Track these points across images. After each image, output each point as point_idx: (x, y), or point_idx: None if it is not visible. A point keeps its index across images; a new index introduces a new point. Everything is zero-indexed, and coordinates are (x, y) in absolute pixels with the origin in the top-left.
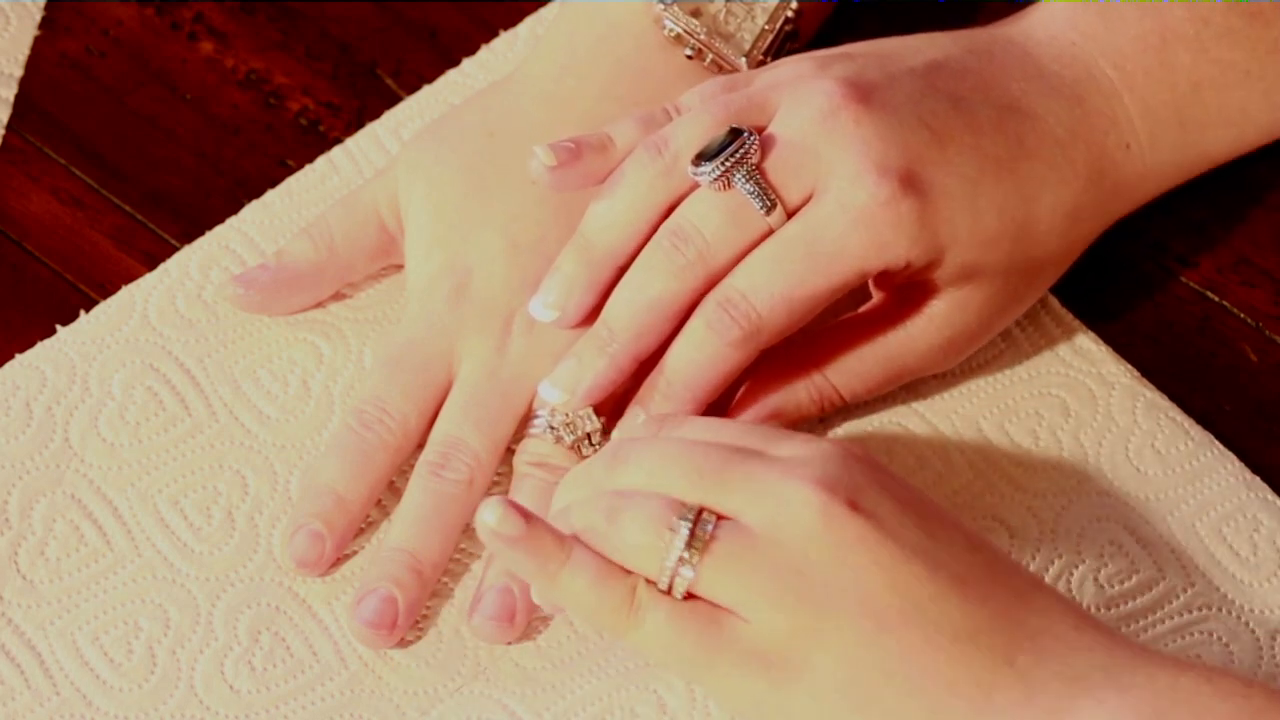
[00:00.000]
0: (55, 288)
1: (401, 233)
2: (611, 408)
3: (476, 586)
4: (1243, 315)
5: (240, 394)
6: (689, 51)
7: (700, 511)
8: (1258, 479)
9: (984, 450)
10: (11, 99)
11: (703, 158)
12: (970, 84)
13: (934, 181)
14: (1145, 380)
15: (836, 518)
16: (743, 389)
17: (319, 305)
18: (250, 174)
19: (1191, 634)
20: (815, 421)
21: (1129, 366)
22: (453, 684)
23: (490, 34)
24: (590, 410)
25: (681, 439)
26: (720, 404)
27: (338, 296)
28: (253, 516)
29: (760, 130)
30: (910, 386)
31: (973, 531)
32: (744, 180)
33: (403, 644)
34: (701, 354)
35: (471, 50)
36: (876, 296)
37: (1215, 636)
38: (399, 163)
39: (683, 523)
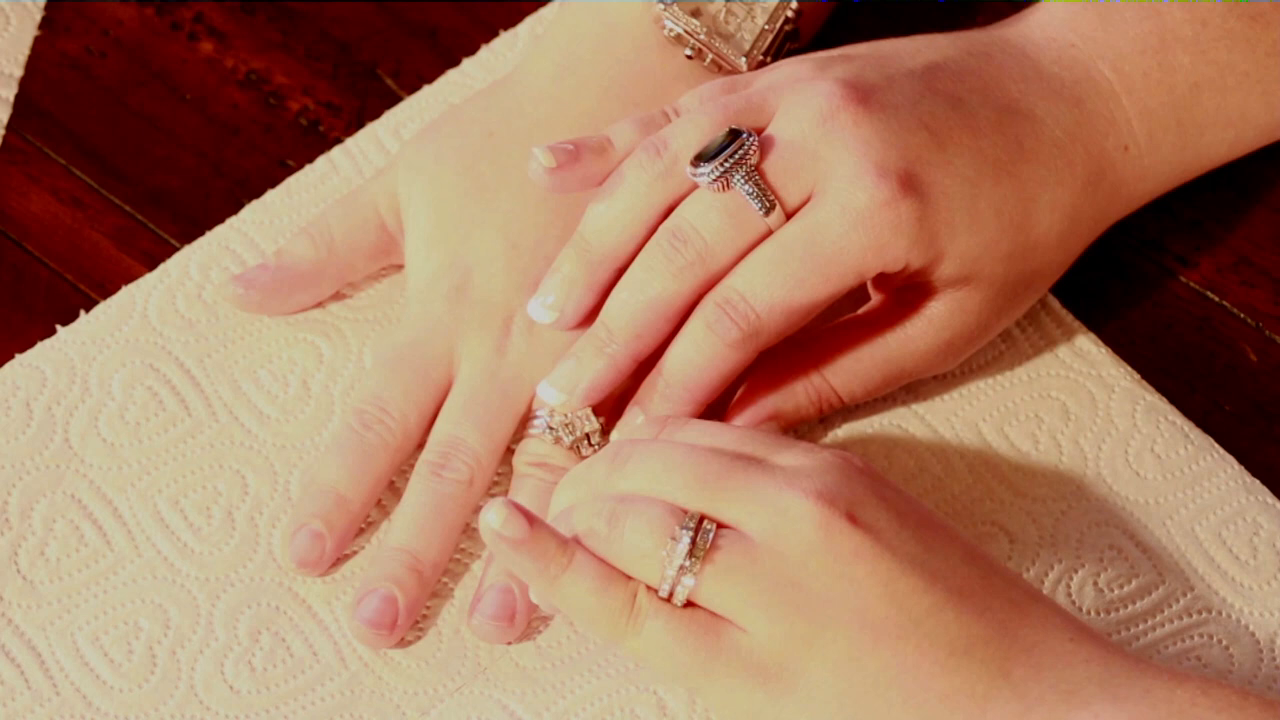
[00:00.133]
0: (55, 288)
1: (401, 232)
2: (610, 408)
3: (476, 586)
4: (1243, 315)
5: (240, 394)
6: (689, 52)
7: (701, 519)
8: (1258, 482)
9: (983, 454)
10: (11, 99)
11: (702, 159)
12: (969, 85)
13: (933, 183)
14: (1145, 383)
15: (835, 530)
16: (741, 389)
17: (319, 305)
18: (250, 174)
19: (1191, 637)
20: (815, 423)
21: (1129, 369)
22: (453, 684)
23: (490, 34)
24: (589, 411)
25: (684, 444)
26: (719, 405)
27: (338, 296)
28: (253, 516)
29: (759, 131)
30: (910, 388)
31: (970, 543)
32: (743, 181)
33: (403, 644)
34: (700, 354)
35: (471, 50)
36: (875, 298)
37: (1215, 640)
38: (399, 162)
39: (685, 531)
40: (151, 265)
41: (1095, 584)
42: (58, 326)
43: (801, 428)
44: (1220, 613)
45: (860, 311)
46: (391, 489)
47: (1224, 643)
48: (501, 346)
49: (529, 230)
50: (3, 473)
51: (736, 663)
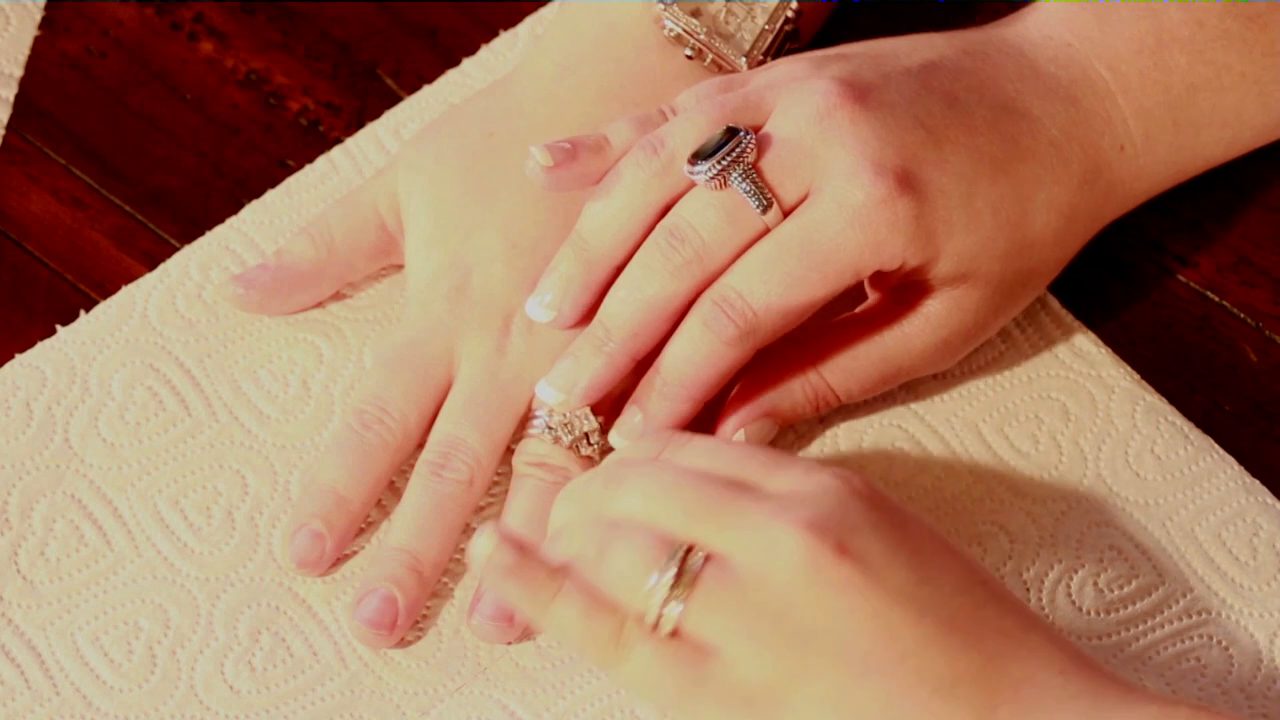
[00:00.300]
0: (55, 288)
1: (401, 232)
2: (609, 407)
3: (476, 586)
4: (1243, 315)
5: (240, 394)
6: (689, 52)
7: (690, 549)
8: (1257, 483)
9: (983, 454)
10: (11, 99)
11: (699, 157)
12: (966, 84)
13: (930, 181)
14: (1145, 383)
15: (823, 562)
16: (738, 387)
17: (319, 305)
18: (250, 174)
19: (1191, 638)
20: (814, 422)
21: (1129, 369)
22: (453, 684)
23: (490, 34)
24: (588, 410)
25: (679, 467)
26: (716, 402)
27: (338, 296)
28: (253, 516)
29: (756, 130)
30: (909, 389)
31: (970, 562)
32: (740, 179)
33: (403, 644)
34: (698, 352)
35: (471, 50)
36: (872, 297)
37: (1215, 640)
38: (399, 162)
39: (671, 561)
40: (151, 265)
41: (1095, 584)
42: (58, 326)
43: (800, 426)
44: (1220, 613)
45: (858, 310)
46: (391, 489)
47: (1224, 643)
48: (501, 346)
49: (529, 230)
50: (3, 473)
51: (721, 693)
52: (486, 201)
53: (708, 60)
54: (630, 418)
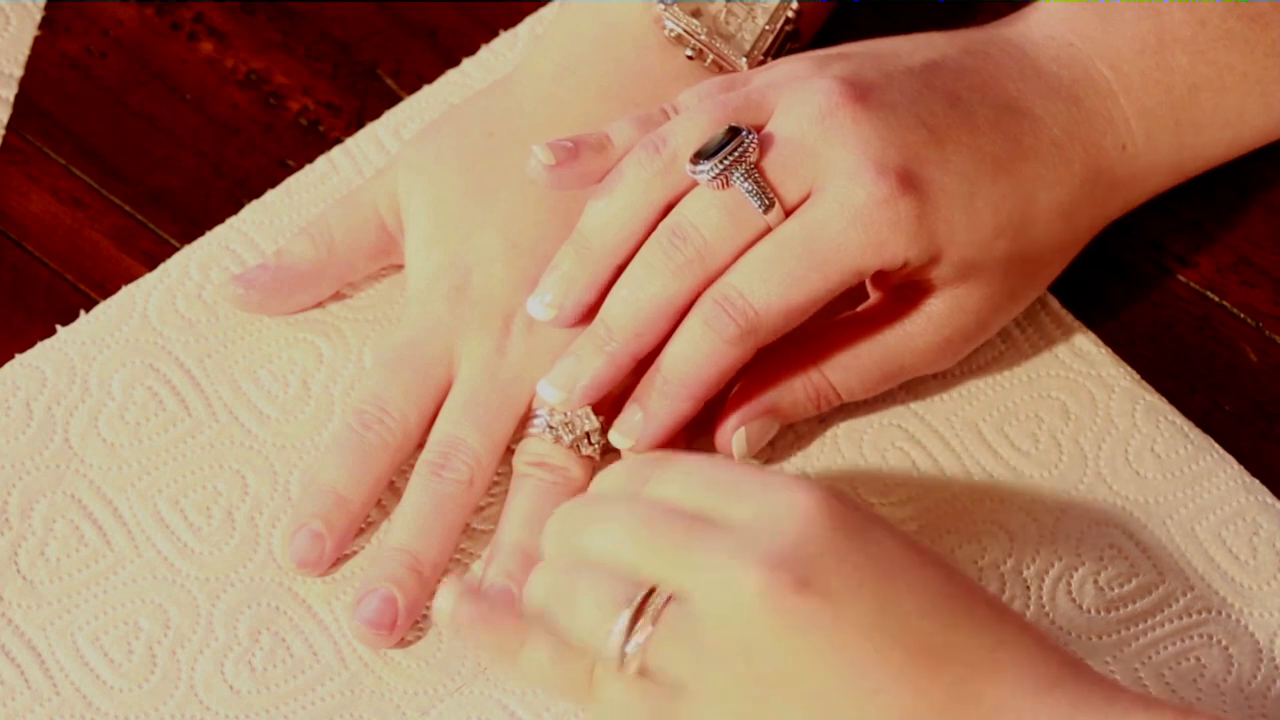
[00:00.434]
0: (55, 288)
1: (401, 232)
2: (610, 406)
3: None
4: (1243, 315)
5: (240, 394)
6: (689, 52)
7: (652, 591)
8: (1257, 482)
9: (983, 454)
10: (11, 99)
11: (701, 156)
12: (967, 84)
13: (932, 180)
14: (1145, 383)
15: (781, 600)
16: (739, 384)
17: (319, 305)
18: (250, 174)
19: (1191, 637)
20: (815, 421)
21: (1129, 369)
22: (453, 684)
23: (490, 34)
24: (589, 409)
25: (647, 502)
26: (717, 400)
27: (338, 296)
28: (253, 516)
29: (758, 129)
30: (909, 388)
31: (940, 578)
32: (742, 179)
33: (403, 644)
34: (699, 351)
35: (471, 50)
36: (874, 296)
37: (1214, 640)
38: (399, 162)
39: (632, 602)
40: (151, 265)
41: (1095, 582)
42: (58, 326)
43: (800, 426)
44: (1220, 612)
45: (859, 308)
46: (391, 489)
47: (1223, 643)
48: (501, 346)
49: (529, 230)
50: (3, 473)
51: None
52: (486, 201)
53: (708, 61)
54: (631, 416)
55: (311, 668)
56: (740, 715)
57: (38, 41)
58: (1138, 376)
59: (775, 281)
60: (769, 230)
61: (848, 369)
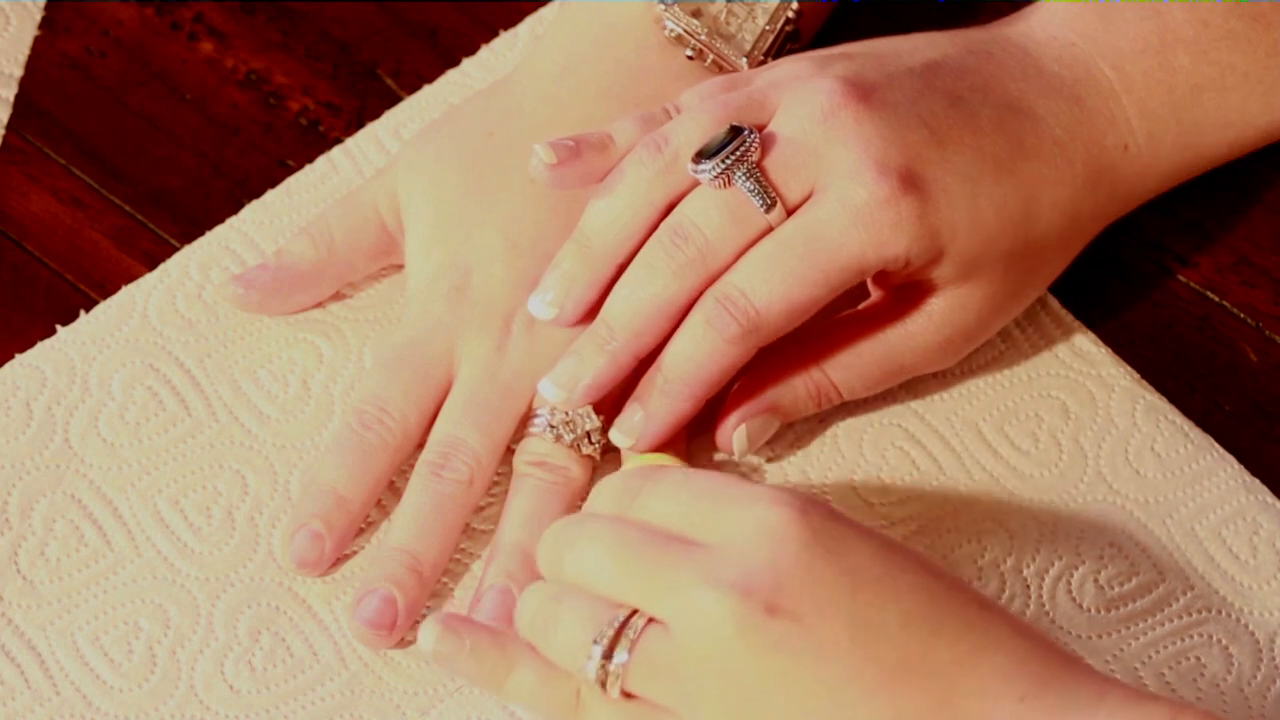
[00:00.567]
0: (55, 288)
1: (401, 232)
2: (611, 405)
3: (476, 586)
4: (1243, 315)
5: (240, 394)
6: (690, 52)
7: (631, 615)
8: (1257, 481)
9: (984, 453)
10: (11, 99)
11: (703, 156)
12: (969, 83)
13: (933, 180)
14: (1145, 382)
15: (753, 625)
16: (740, 382)
17: (319, 305)
18: (250, 174)
19: (1191, 637)
20: (814, 420)
21: (1129, 368)
22: (453, 684)
23: (490, 34)
24: (590, 408)
25: (627, 524)
26: (718, 399)
27: (338, 296)
28: (253, 516)
29: (760, 129)
30: (910, 388)
31: (919, 586)
32: (744, 178)
33: (403, 644)
34: (700, 350)
35: (471, 50)
36: (875, 294)
37: (1214, 639)
38: (399, 162)
39: (610, 627)
40: (151, 265)
41: (1095, 581)
42: (58, 326)
43: (800, 425)
44: (1220, 612)
45: (861, 307)
46: (391, 489)
47: (1223, 642)
48: (501, 346)
49: (529, 230)
50: (3, 473)
51: None
52: (486, 201)
53: (708, 61)
54: (631, 415)
55: (311, 668)
56: None
57: (38, 41)
58: (1138, 376)
59: (777, 281)
60: (770, 230)
61: (849, 367)
